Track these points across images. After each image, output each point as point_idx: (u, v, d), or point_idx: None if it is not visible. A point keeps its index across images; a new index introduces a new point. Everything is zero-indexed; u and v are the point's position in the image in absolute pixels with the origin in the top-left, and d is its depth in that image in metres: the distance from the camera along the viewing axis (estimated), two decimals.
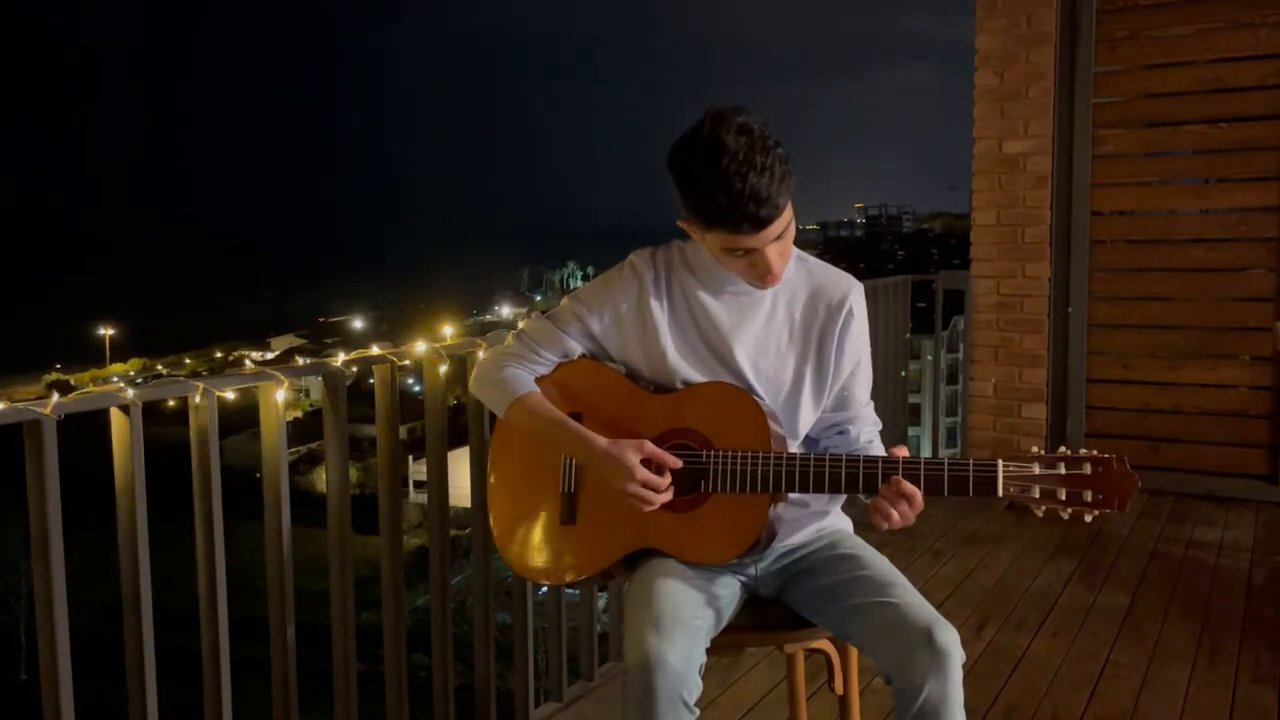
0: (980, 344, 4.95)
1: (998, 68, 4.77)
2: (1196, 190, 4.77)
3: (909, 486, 1.59)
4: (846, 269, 1.89)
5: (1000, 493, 1.56)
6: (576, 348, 1.83)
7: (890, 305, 4.65)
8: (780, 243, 1.63)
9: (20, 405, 1.64)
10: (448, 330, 3.25)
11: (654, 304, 1.77)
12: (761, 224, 1.57)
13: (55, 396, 1.67)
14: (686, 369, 1.76)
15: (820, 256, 1.88)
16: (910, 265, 46.57)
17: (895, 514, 1.60)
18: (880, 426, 1.88)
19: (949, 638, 1.55)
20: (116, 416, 1.77)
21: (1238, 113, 4.47)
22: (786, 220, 1.61)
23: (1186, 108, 4.57)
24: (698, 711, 1.54)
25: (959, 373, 5.35)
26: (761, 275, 1.66)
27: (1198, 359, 4.62)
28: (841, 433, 1.83)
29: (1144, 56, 4.61)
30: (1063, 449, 1.57)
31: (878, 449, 1.81)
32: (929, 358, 6.05)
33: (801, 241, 1.74)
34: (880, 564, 1.72)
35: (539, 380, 1.82)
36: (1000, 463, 1.56)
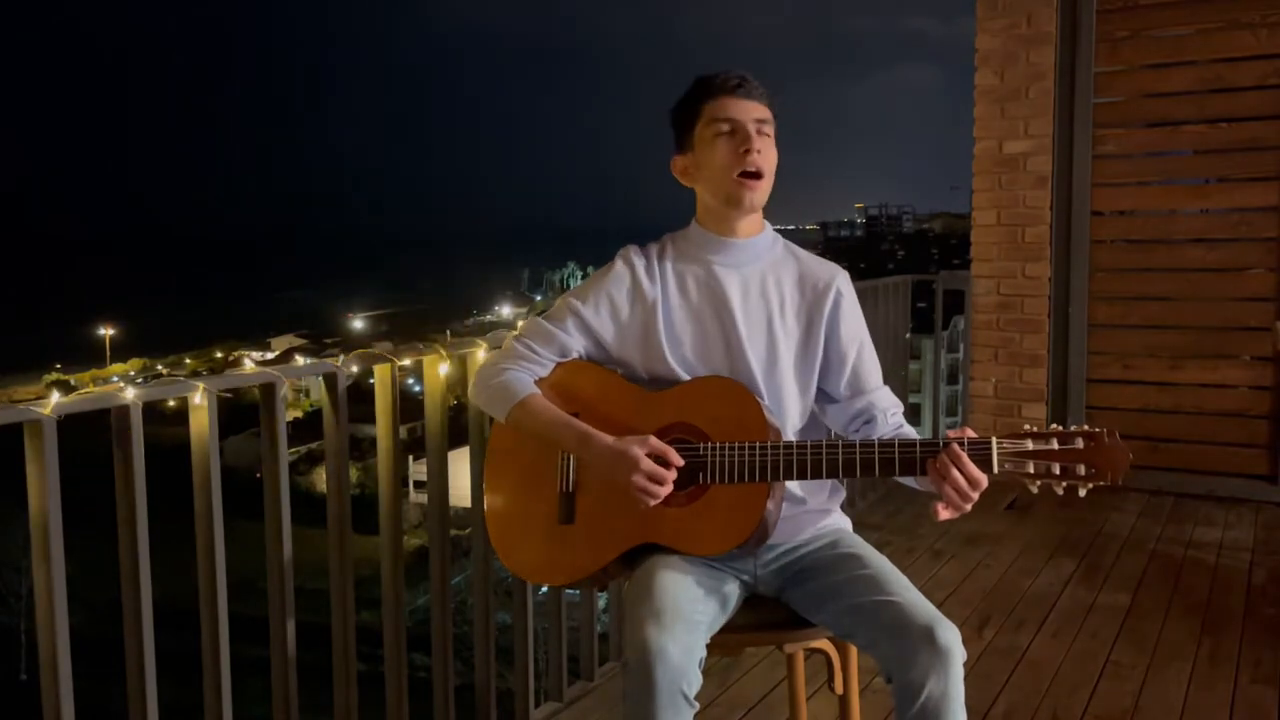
0: (980, 344, 4.95)
1: (998, 68, 4.77)
2: (1196, 190, 4.77)
3: (946, 457, 1.57)
4: (847, 269, 1.91)
5: (995, 469, 1.57)
6: (573, 345, 1.83)
7: (890, 305, 4.65)
8: (764, 139, 1.77)
9: (20, 405, 1.64)
10: (448, 330, 3.25)
11: (646, 287, 1.81)
12: (748, 90, 1.76)
13: (55, 396, 1.67)
14: (684, 351, 1.79)
15: (820, 256, 1.90)
16: (910, 265, 46.57)
17: (947, 485, 1.57)
18: (902, 407, 1.89)
19: (950, 636, 1.55)
20: (117, 416, 1.77)
21: (1238, 113, 4.47)
22: (768, 116, 1.78)
23: (1186, 108, 4.57)
24: (697, 705, 1.54)
25: (959, 373, 5.35)
26: (745, 153, 1.74)
27: (1198, 359, 4.62)
28: (868, 421, 1.83)
29: (1144, 56, 4.62)
30: (1054, 425, 1.58)
31: (909, 433, 1.82)
32: (929, 358, 6.06)
33: (802, 241, 1.76)
34: (880, 563, 1.72)
35: (537, 382, 1.82)
36: (994, 440, 1.57)
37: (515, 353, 1.84)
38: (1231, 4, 4.42)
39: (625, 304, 1.82)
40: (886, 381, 1.90)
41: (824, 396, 1.85)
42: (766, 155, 1.76)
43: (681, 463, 1.66)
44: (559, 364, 1.84)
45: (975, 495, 1.58)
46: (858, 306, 1.88)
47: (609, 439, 1.70)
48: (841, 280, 1.86)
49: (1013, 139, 4.76)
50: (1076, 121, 4.69)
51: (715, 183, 1.78)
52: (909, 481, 1.71)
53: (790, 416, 1.81)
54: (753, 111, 1.75)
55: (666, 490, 1.66)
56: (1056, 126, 4.69)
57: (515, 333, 1.88)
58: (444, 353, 2.30)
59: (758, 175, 1.76)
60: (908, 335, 4.92)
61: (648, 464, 1.64)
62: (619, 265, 1.84)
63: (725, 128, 1.74)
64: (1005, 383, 4.89)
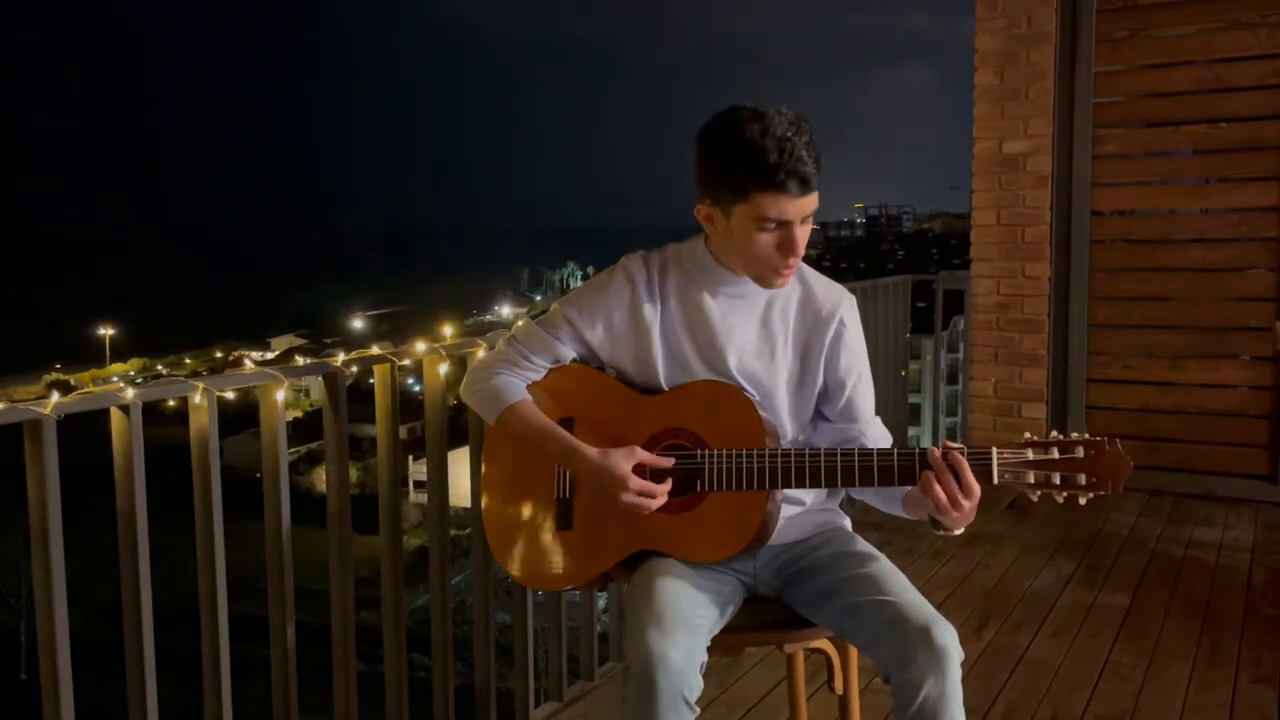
0: (980, 344, 4.95)
1: (998, 68, 4.77)
2: (1196, 190, 4.77)
3: (947, 460, 1.55)
4: (846, 269, 1.89)
5: (995, 480, 1.56)
6: (568, 353, 1.82)
7: (890, 305, 4.65)
8: (804, 228, 1.64)
9: (20, 405, 1.64)
10: (448, 330, 3.25)
11: (646, 307, 1.77)
12: (806, 186, 1.59)
13: (55, 396, 1.67)
14: (676, 373, 1.76)
15: (820, 256, 1.90)
16: (910, 265, 46.54)
17: (938, 488, 1.55)
18: (891, 440, 1.86)
19: (947, 636, 1.55)
20: (116, 416, 1.77)
21: (1238, 113, 4.47)
22: (817, 203, 1.63)
23: (1186, 108, 4.57)
24: (698, 710, 1.54)
25: (959, 373, 5.35)
26: (785, 255, 1.65)
27: (1198, 359, 4.62)
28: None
29: (1144, 56, 4.62)
30: (1054, 434, 1.57)
31: None
32: (929, 358, 6.06)
33: None
34: (879, 563, 1.72)
35: (530, 386, 1.82)
36: (995, 450, 1.56)
37: (508, 357, 1.83)
38: (1231, 4, 4.42)
39: (622, 321, 1.78)
40: (886, 383, 1.89)
41: (816, 414, 1.83)
42: (802, 251, 1.67)
43: (670, 463, 1.66)
44: (553, 367, 1.84)
45: (966, 504, 1.55)
46: (861, 336, 1.82)
47: (594, 454, 1.68)
48: (846, 309, 1.80)
49: (1013, 139, 4.77)
50: (1076, 121, 4.69)
51: (745, 262, 1.69)
52: (899, 511, 1.71)
53: (784, 441, 1.78)
54: (807, 207, 1.62)
55: (659, 503, 1.66)
56: (1056, 126, 4.69)
57: (510, 335, 1.87)
58: (444, 353, 2.30)
59: (795, 267, 1.70)
60: (908, 335, 4.92)
61: (636, 482, 1.64)
62: (620, 278, 1.79)
63: (772, 225, 1.62)
64: (1005, 383, 4.89)
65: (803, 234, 1.64)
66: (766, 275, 1.69)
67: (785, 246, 1.64)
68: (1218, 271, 4.59)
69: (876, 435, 1.82)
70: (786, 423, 1.78)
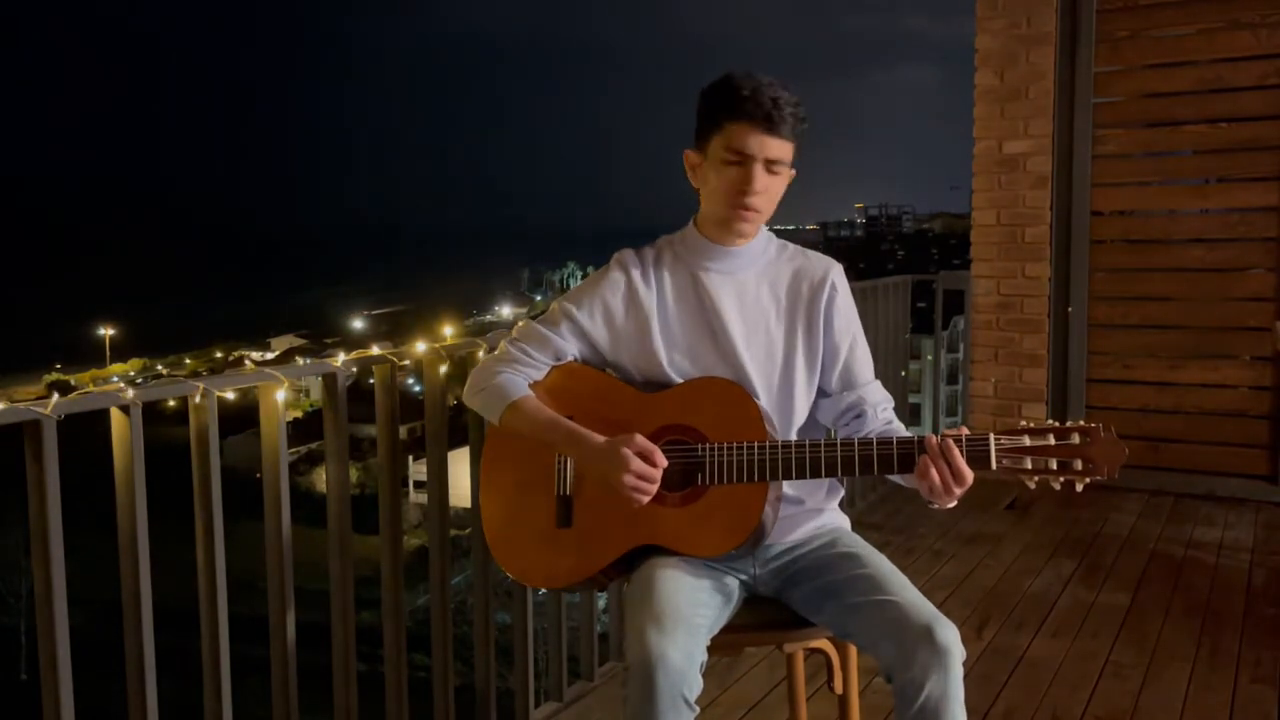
0: (980, 344, 4.95)
1: (998, 68, 4.77)
2: (1196, 190, 4.78)
3: (939, 446, 1.58)
4: (846, 269, 1.91)
5: (994, 465, 1.57)
6: (568, 348, 1.83)
7: (890, 305, 4.66)
8: (771, 178, 1.71)
9: (20, 405, 1.64)
10: (448, 330, 3.25)
11: (642, 293, 1.80)
12: (773, 125, 1.67)
13: (55, 396, 1.67)
14: (679, 358, 1.78)
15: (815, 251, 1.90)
16: (910, 265, 46.63)
17: (934, 474, 1.57)
18: (893, 402, 1.89)
19: (949, 635, 1.55)
20: (116, 416, 1.77)
21: (1238, 113, 4.48)
22: (786, 156, 1.71)
23: (1186, 108, 4.57)
24: (698, 709, 1.54)
25: (959, 373, 5.35)
26: (742, 191, 1.71)
27: (1198, 359, 4.62)
28: (858, 416, 1.83)
29: (1144, 56, 4.62)
30: (1051, 421, 1.59)
31: (899, 429, 1.82)
32: (929, 358, 6.06)
33: (802, 241, 1.76)
34: (879, 562, 1.72)
35: (532, 385, 1.82)
36: (992, 436, 1.58)
37: (509, 356, 1.84)
38: (1231, 4, 4.42)
39: (620, 310, 1.81)
40: (886, 383, 1.90)
41: (816, 391, 1.85)
42: (768, 194, 1.73)
43: (665, 463, 1.66)
44: (554, 367, 1.84)
45: (957, 491, 1.58)
46: (851, 299, 1.87)
47: (598, 438, 1.70)
48: (835, 273, 1.85)
49: (1013, 139, 4.77)
50: (1076, 121, 4.70)
51: (713, 201, 1.76)
52: (897, 478, 1.71)
53: (798, 415, 1.81)
54: (770, 149, 1.69)
55: (654, 488, 1.66)
56: (1056, 126, 4.69)
57: (510, 335, 1.88)
58: (444, 353, 2.30)
59: (752, 209, 1.74)
60: (908, 335, 4.93)
61: (637, 464, 1.64)
62: (615, 270, 1.83)
63: (735, 158, 1.69)
64: (1005, 383, 4.89)
65: (762, 180, 1.70)
66: (726, 214, 1.75)
67: (743, 181, 1.70)
68: (1218, 271, 4.59)
69: (877, 398, 1.84)
70: (796, 402, 1.79)
